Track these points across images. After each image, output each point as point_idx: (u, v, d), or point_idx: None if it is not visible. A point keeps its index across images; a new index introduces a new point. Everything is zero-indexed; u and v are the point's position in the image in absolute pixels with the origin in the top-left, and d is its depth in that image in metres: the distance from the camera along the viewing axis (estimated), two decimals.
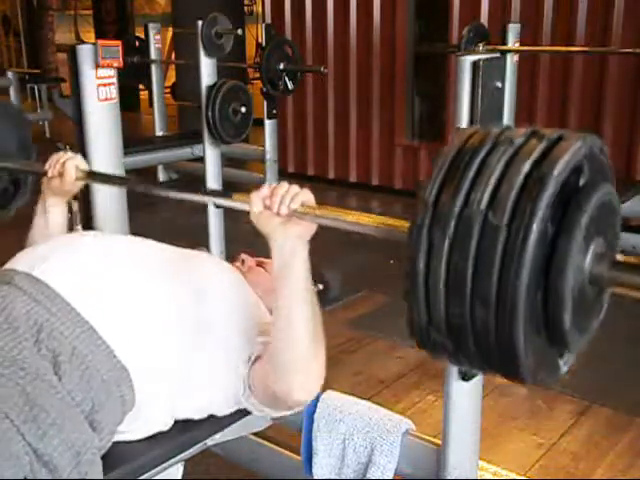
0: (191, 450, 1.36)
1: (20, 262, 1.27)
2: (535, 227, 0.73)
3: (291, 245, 1.14)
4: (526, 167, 0.76)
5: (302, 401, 1.26)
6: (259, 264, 1.59)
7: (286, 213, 1.11)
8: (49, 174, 1.47)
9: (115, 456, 1.20)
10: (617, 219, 0.88)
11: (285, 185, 1.13)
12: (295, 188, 1.12)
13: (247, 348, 1.29)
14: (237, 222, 3.37)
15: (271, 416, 1.38)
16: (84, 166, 1.48)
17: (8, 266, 1.28)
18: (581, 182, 0.80)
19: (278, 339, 1.21)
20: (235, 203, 1.23)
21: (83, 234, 1.51)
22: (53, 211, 1.52)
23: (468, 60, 1.30)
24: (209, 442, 1.39)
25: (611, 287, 0.85)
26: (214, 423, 1.35)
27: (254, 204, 1.14)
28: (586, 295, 0.83)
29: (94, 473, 1.11)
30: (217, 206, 3.29)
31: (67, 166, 1.44)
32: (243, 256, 1.60)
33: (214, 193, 1.32)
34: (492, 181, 0.77)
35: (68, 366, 1.12)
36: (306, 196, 1.12)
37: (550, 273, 0.76)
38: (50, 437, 1.04)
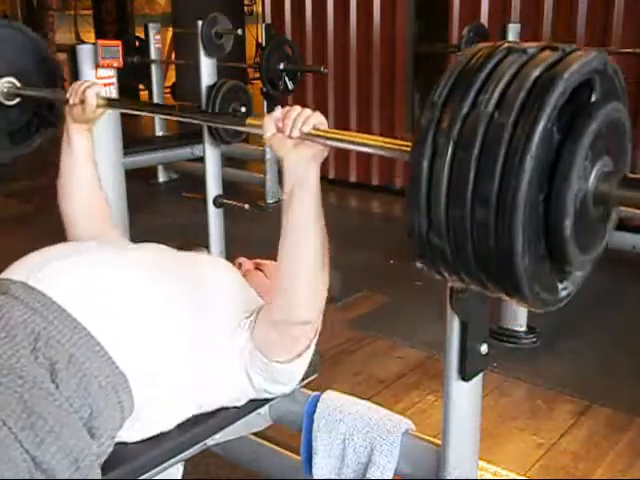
0: (191, 450, 1.36)
1: (15, 271, 1.27)
2: (540, 125, 0.72)
3: (304, 166, 1.17)
4: (537, 71, 0.75)
5: (308, 319, 1.27)
6: (257, 267, 1.59)
7: (298, 135, 1.13)
8: (70, 102, 1.49)
9: (115, 456, 1.20)
10: (626, 139, 0.87)
11: (297, 108, 1.15)
12: (307, 111, 1.15)
13: (245, 326, 1.31)
14: (237, 222, 3.38)
15: (274, 380, 1.38)
16: (103, 93, 1.51)
17: (3, 276, 1.27)
18: (592, 99, 0.79)
19: (284, 260, 1.22)
20: (248, 128, 1.26)
21: (78, 242, 1.50)
22: (77, 138, 1.53)
23: None
24: (209, 442, 1.39)
25: (617, 206, 0.84)
26: (214, 423, 1.35)
27: (267, 128, 1.16)
28: (590, 213, 0.81)
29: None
30: (218, 205, 3.29)
31: (88, 94, 1.47)
32: (240, 259, 1.59)
33: (228, 120, 1.35)
34: (501, 84, 0.76)
35: (65, 373, 1.12)
36: (318, 119, 1.14)
37: (554, 178, 0.75)
38: (48, 444, 1.04)
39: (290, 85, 4.04)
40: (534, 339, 2.72)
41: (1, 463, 1.00)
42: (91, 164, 1.56)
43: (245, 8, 8.61)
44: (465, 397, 1.32)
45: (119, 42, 2.01)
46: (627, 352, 2.60)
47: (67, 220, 1.57)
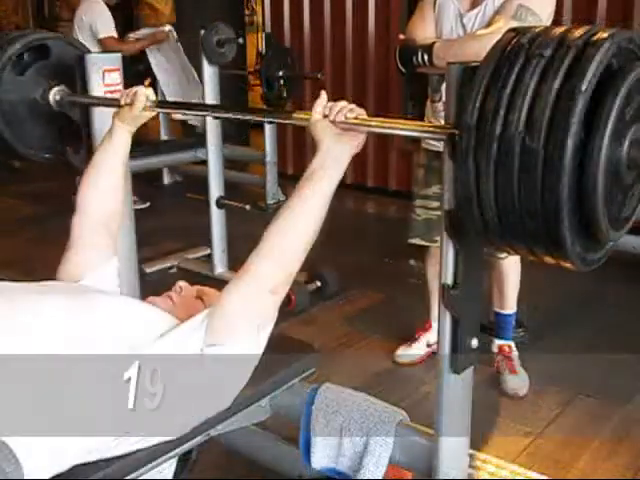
0: (196, 440, 1.36)
1: None
2: (568, 145, 0.75)
3: (339, 151, 1.22)
4: (556, 84, 0.77)
5: (280, 282, 1.21)
6: (199, 295, 1.46)
7: (342, 120, 1.20)
8: (122, 102, 1.54)
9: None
10: None
11: (344, 101, 1.23)
12: (352, 105, 1.22)
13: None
14: (238, 222, 3.37)
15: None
16: (153, 97, 1.56)
17: None
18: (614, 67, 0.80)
19: (283, 220, 1.21)
20: (294, 121, 1.33)
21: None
22: (119, 135, 1.56)
23: (457, 68, 1.30)
24: (212, 432, 1.39)
25: None
26: (217, 414, 1.35)
27: (316, 110, 1.23)
28: (623, 180, 0.84)
29: None
30: (220, 206, 3.29)
31: (138, 94, 1.52)
32: (181, 283, 1.47)
33: (276, 115, 1.44)
34: (527, 101, 0.78)
35: None
36: (361, 110, 1.22)
37: (590, 138, 0.77)
38: None
39: (289, 91, 4.04)
40: (522, 334, 2.72)
41: None
42: (124, 162, 1.59)
43: (246, 18, 8.60)
44: (457, 389, 1.32)
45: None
46: (611, 346, 2.60)
47: (74, 231, 1.50)
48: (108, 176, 1.55)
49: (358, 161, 5.31)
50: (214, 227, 3.31)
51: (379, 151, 5.22)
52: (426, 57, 2.04)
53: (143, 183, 4.07)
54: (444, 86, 1.49)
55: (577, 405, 2.30)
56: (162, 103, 1.62)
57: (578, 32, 0.80)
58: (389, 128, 1.22)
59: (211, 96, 3.21)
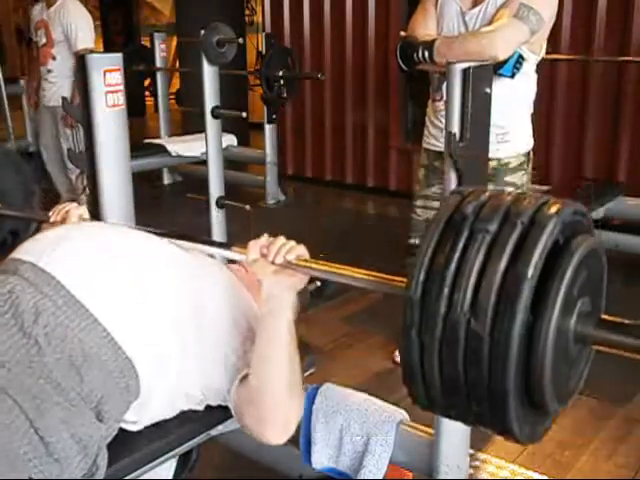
0: (196, 440, 1.36)
1: (26, 252, 1.23)
2: (515, 332, 0.74)
3: (280, 291, 1.17)
4: (502, 265, 0.75)
5: (270, 441, 1.24)
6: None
7: (281, 262, 1.14)
8: (51, 219, 1.47)
9: (120, 446, 1.19)
10: (603, 269, 0.88)
11: (282, 238, 1.17)
12: (292, 242, 1.17)
13: (239, 345, 1.28)
14: (238, 222, 3.37)
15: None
16: (87, 216, 1.47)
17: (14, 255, 1.24)
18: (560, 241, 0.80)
19: (256, 376, 1.21)
20: (233, 254, 1.24)
21: (89, 224, 1.47)
22: None
23: (458, 68, 1.30)
24: (213, 432, 1.39)
25: (595, 345, 0.87)
26: (218, 414, 1.35)
27: (251, 251, 1.17)
28: (570, 354, 0.84)
29: (102, 463, 1.11)
30: (220, 206, 3.29)
31: (70, 214, 1.45)
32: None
33: (214, 244, 1.36)
34: (472, 280, 0.76)
35: (83, 364, 1.11)
36: (301, 250, 1.16)
37: (531, 355, 0.76)
38: (59, 431, 1.04)
39: (289, 91, 4.04)
40: None
41: (13, 445, 0.99)
42: None
43: (246, 18, 8.60)
44: None
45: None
46: None
47: None
48: None
49: (358, 161, 5.31)
50: (214, 227, 3.31)
51: (379, 151, 5.22)
52: (427, 54, 2.04)
53: (143, 183, 4.08)
54: (445, 85, 1.49)
55: (577, 405, 2.30)
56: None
57: (524, 205, 0.78)
58: (331, 274, 1.10)
59: (211, 97, 3.21)
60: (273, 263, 1.15)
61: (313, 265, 1.13)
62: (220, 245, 1.34)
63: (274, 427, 1.22)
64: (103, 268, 1.23)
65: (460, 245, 0.78)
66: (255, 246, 1.17)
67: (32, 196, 1.78)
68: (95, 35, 4.16)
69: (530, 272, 0.74)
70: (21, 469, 1.00)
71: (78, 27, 3.97)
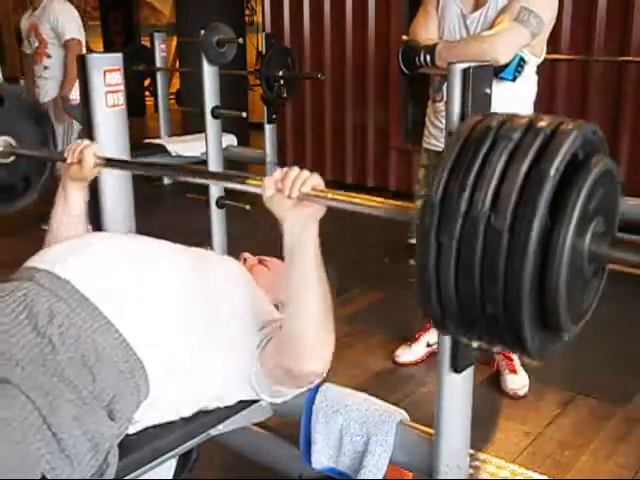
0: (196, 440, 1.36)
1: (40, 260, 1.28)
2: (534, 228, 0.74)
3: (302, 224, 1.15)
4: (524, 167, 0.76)
5: (315, 371, 1.24)
6: (260, 262, 1.58)
7: (297, 195, 1.12)
8: (68, 160, 1.47)
9: (120, 445, 1.19)
10: (617, 191, 0.88)
11: (296, 170, 1.14)
12: (306, 173, 1.13)
13: (257, 335, 1.29)
14: (239, 222, 3.37)
15: (278, 397, 1.36)
16: (101, 153, 1.49)
17: (28, 264, 1.28)
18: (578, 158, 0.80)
19: (290, 316, 1.21)
20: (249, 187, 1.22)
21: (100, 235, 1.52)
22: (74, 196, 1.51)
23: (459, 68, 1.30)
24: (213, 432, 1.39)
25: (610, 264, 0.86)
26: (218, 414, 1.35)
27: (267, 187, 1.14)
28: (584, 273, 0.83)
29: (112, 461, 1.12)
30: (220, 206, 3.29)
31: (85, 153, 1.45)
32: (245, 255, 1.60)
33: (228, 177, 1.31)
34: (493, 181, 0.77)
35: (96, 363, 1.13)
36: (316, 180, 1.13)
37: (551, 241, 0.76)
38: (72, 427, 1.05)
39: (289, 91, 4.03)
40: None
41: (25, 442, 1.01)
42: (83, 222, 1.54)
43: (246, 18, 8.60)
44: (457, 388, 1.32)
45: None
46: (611, 347, 2.60)
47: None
48: (67, 234, 1.50)
49: (358, 161, 5.31)
50: (214, 227, 3.30)
51: (379, 151, 5.22)
52: (429, 58, 2.05)
53: (143, 183, 4.08)
54: (445, 86, 1.49)
55: (577, 405, 2.30)
56: (110, 160, 1.53)
57: (545, 120, 0.81)
58: (346, 202, 1.10)
59: (211, 97, 3.21)
60: (289, 197, 1.12)
61: (329, 195, 1.11)
62: (233, 178, 1.30)
63: (316, 353, 1.22)
64: (116, 272, 1.26)
65: (483, 151, 0.79)
66: (270, 182, 1.14)
67: (48, 143, 1.81)
68: (95, 35, 4.22)
69: (553, 171, 0.74)
70: (33, 464, 1.01)
71: (64, 20, 4.15)
